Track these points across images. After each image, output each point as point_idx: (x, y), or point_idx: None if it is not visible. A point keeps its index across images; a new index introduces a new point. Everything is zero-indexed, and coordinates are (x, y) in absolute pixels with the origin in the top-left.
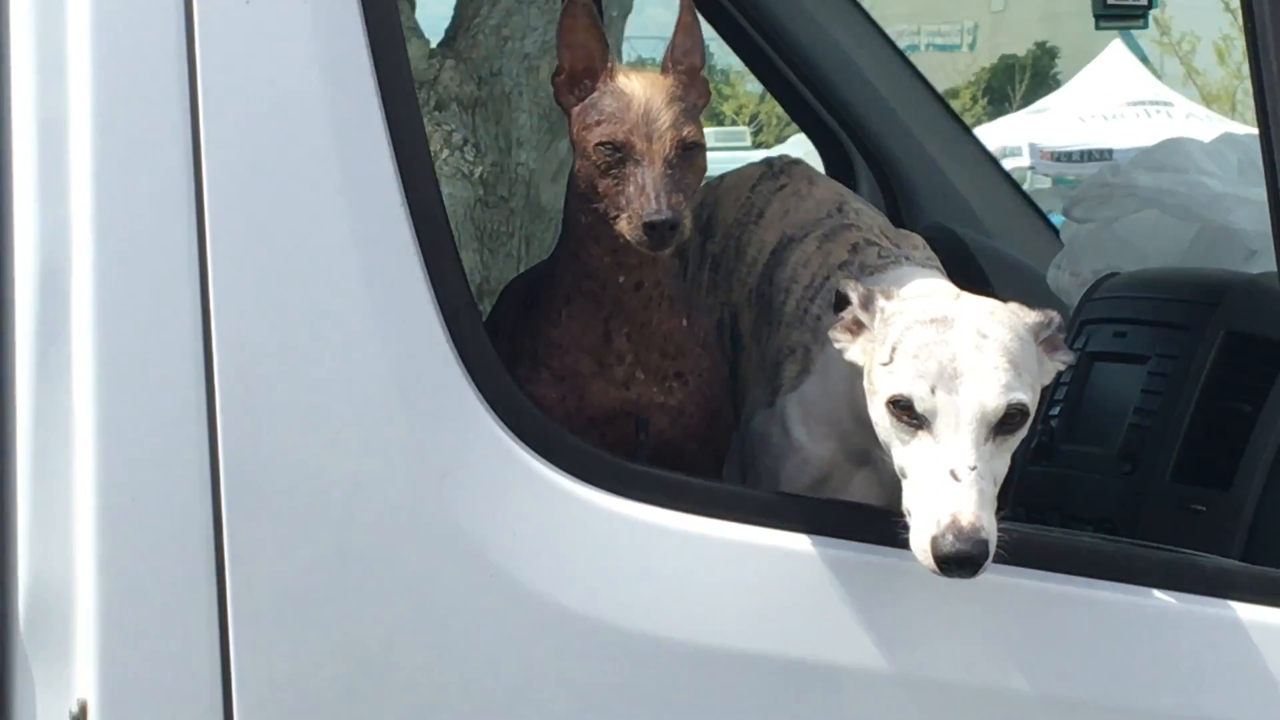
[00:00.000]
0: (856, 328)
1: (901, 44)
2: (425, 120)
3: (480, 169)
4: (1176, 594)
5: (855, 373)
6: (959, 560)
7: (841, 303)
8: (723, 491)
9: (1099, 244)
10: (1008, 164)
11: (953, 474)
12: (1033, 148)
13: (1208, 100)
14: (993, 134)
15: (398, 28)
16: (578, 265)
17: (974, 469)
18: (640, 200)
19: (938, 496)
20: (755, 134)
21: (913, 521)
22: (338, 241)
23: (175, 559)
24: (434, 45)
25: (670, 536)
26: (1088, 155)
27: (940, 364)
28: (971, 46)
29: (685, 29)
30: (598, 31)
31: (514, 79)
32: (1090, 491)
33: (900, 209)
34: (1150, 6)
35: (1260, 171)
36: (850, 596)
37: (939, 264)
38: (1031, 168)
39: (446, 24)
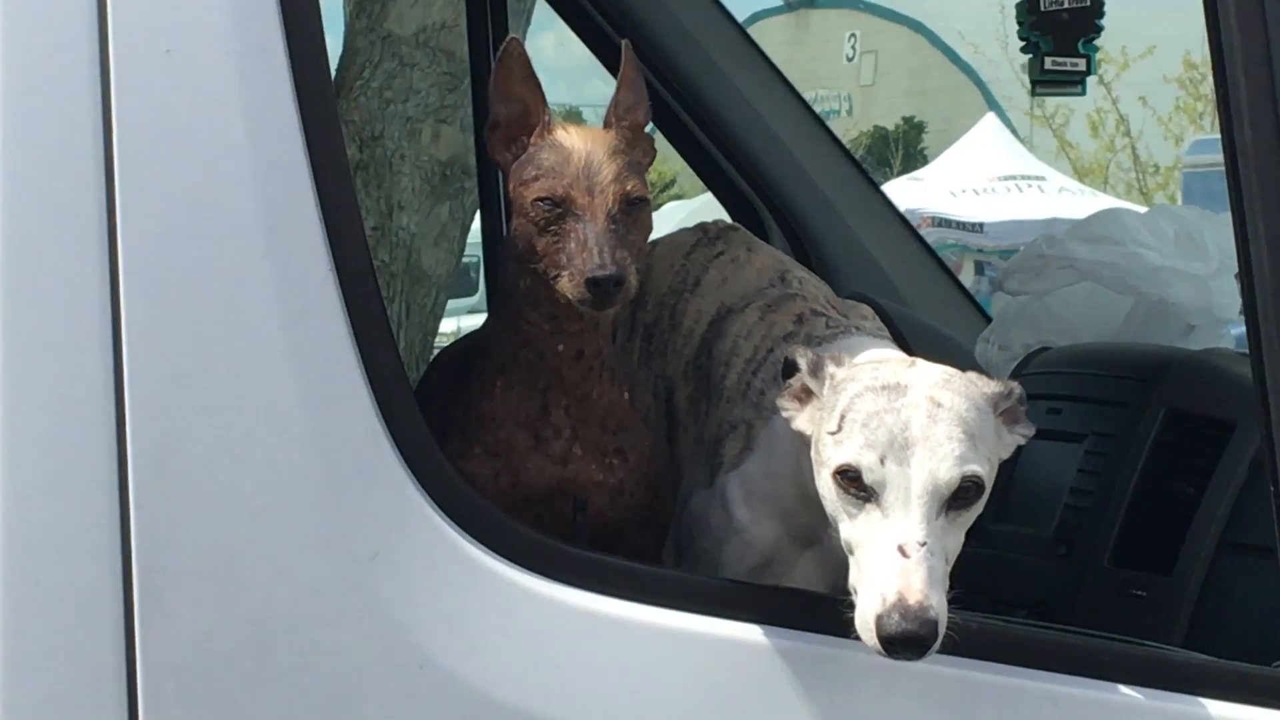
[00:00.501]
0: (805, 396)
1: None
2: None
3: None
4: (1143, 689)
5: (802, 449)
6: (905, 641)
7: (790, 370)
8: (666, 578)
9: (1030, 317)
10: None
11: (901, 550)
12: (912, 214)
13: (1080, 174)
14: None
15: (326, 79)
16: (514, 333)
17: (924, 545)
18: (582, 256)
19: (884, 573)
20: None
21: (858, 599)
22: (261, 307)
23: (81, 646)
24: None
25: (609, 625)
26: (962, 226)
27: (891, 433)
28: (849, 113)
29: (629, 84)
30: (534, 82)
31: (396, 142)
32: (1023, 575)
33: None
34: (1089, 73)
35: (1197, 245)
36: (796, 689)
37: (889, 335)
38: None
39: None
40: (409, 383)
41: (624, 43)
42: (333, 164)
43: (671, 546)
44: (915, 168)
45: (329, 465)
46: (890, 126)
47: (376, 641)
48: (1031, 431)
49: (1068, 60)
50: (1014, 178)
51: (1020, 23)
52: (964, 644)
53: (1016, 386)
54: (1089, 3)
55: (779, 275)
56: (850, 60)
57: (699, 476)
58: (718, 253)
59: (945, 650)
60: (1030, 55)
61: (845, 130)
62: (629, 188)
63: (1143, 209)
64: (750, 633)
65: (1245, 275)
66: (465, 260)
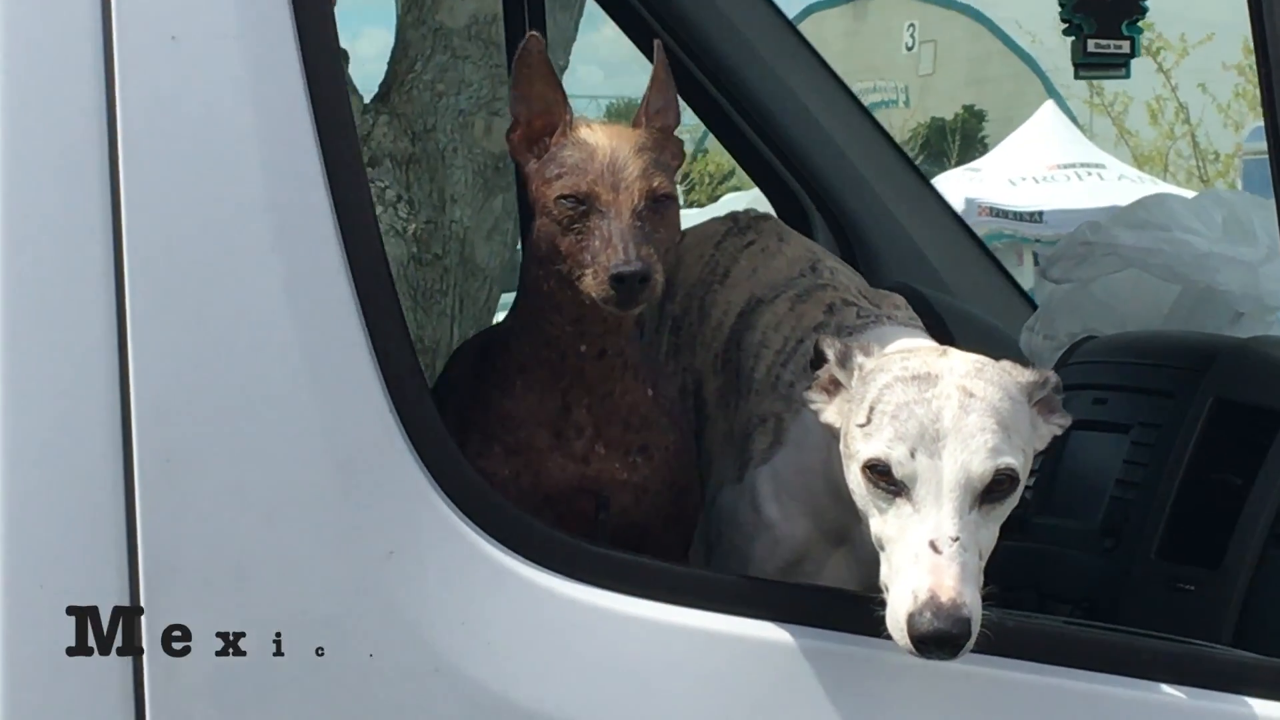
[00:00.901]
0: (833, 387)
1: None
2: None
3: (414, 226)
4: (1186, 689)
5: (832, 443)
6: (937, 640)
7: (819, 361)
8: (690, 576)
9: (1075, 305)
10: None
11: (933, 545)
12: (970, 203)
13: (1140, 162)
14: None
15: (338, 65)
16: (536, 333)
17: (956, 540)
18: (606, 253)
19: (916, 570)
20: (687, 192)
21: (889, 597)
22: (271, 301)
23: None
24: (367, 101)
25: (633, 625)
26: (1019, 216)
27: (921, 425)
28: (907, 104)
29: (659, 86)
30: (555, 81)
31: (448, 135)
32: (1068, 569)
33: (860, 267)
34: (1133, 55)
35: (1246, 231)
36: (826, 691)
37: (921, 325)
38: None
39: (380, 79)
40: (424, 378)
41: (656, 43)
42: (345, 153)
43: (700, 543)
44: (976, 156)
45: (341, 463)
46: (949, 116)
47: (390, 644)
48: (1068, 422)
49: (1111, 42)
50: (1073, 166)
51: (1063, 4)
52: (998, 642)
53: (1052, 375)
54: None
55: (810, 265)
56: (909, 50)
57: (728, 471)
58: (748, 242)
59: (979, 649)
60: (1073, 37)
61: (903, 121)
62: (655, 184)
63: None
64: (776, 632)
65: None
66: (518, 253)
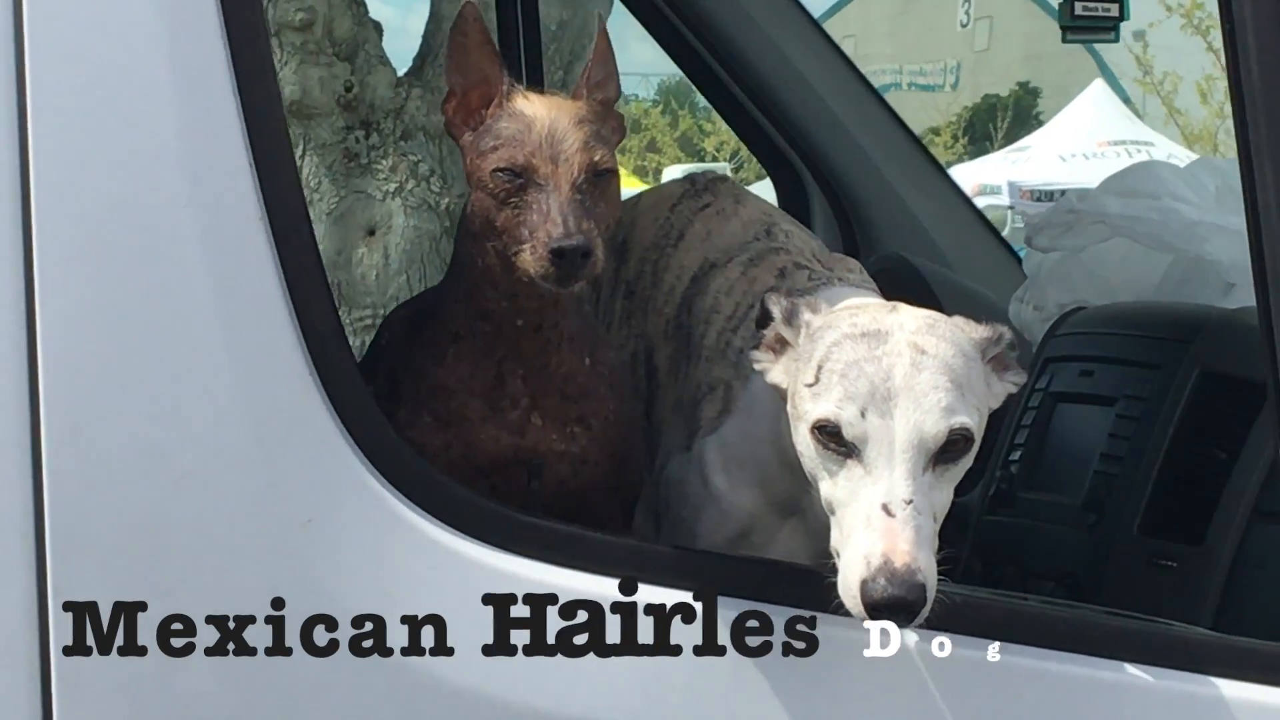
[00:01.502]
0: (780, 347)
1: (883, 83)
2: (391, 151)
3: (447, 200)
4: (1146, 667)
5: (781, 410)
6: (891, 606)
7: (765, 320)
8: (629, 548)
9: (1064, 275)
10: (987, 203)
11: (885, 509)
12: (1012, 186)
13: (1189, 140)
14: (973, 173)
15: (259, 14)
16: (470, 306)
17: (910, 503)
18: (545, 227)
19: (868, 534)
20: (736, 170)
21: (840, 563)
22: (184, 256)
23: None
24: (401, 74)
25: (567, 599)
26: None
27: (872, 383)
28: (954, 86)
29: (601, 58)
30: (492, 50)
31: None
32: (1052, 544)
33: (857, 237)
34: (1121, 19)
35: (1239, 198)
36: (773, 668)
37: (875, 288)
38: (1011, 207)
39: (414, 53)
40: (345, 337)
41: (597, 14)
42: (264, 104)
43: (648, 514)
44: (1030, 131)
45: (257, 426)
46: (1004, 92)
47: (307, 610)
48: (1022, 379)
49: (1099, 5)
50: (1123, 143)
51: None
52: (951, 619)
53: (1006, 331)
54: None
55: (765, 229)
56: (964, 26)
57: (677, 441)
58: (704, 205)
59: (932, 620)
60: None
61: (945, 106)
62: (596, 157)
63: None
64: (723, 606)
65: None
66: None
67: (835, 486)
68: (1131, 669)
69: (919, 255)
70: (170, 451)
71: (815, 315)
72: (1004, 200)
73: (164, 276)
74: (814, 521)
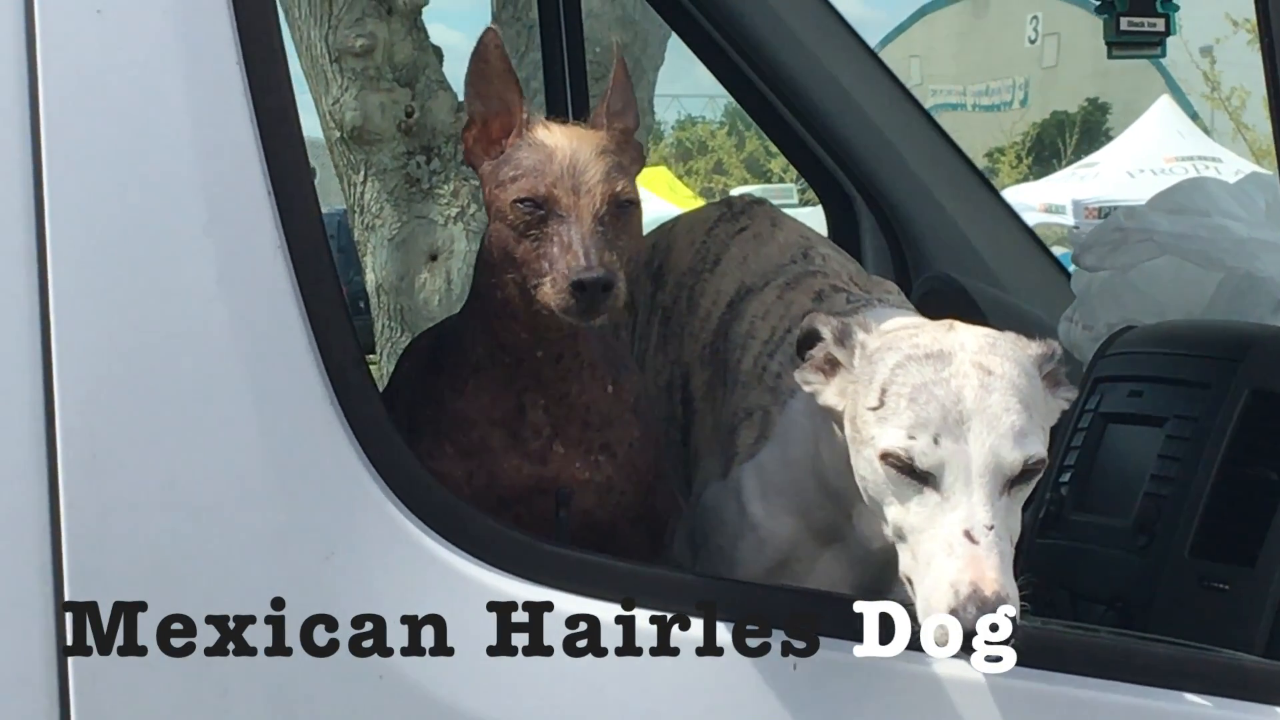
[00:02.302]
0: (830, 367)
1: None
2: (452, 176)
3: None
4: (1197, 695)
5: (822, 436)
6: None
7: (810, 340)
8: (654, 576)
9: (1113, 294)
10: (1052, 220)
11: (968, 535)
12: (1076, 205)
13: (1257, 156)
14: (1039, 192)
15: (276, 38)
16: (489, 337)
17: (991, 528)
18: (566, 259)
19: (952, 562)
20: (802, 191)
21: (918, 591)
22: (203, 286)
23: (8, 655)
24: (462, 99)
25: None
26: None
27: (944, 407)
28: (1023, 103)
29: (619, 87)
30: (512, 78)
31: None
32: (1103, 566)
33: (907, 258)
34: (1168, 33)
35: None
36: (814, 702)
37: (914, 310)
38: (1075, 226)
39: None
40: (367, 367)
41: (614, 42)
42: (282, 131)
43: (685, 543)
44: (1099, 146)
45: (278, 457)
46: (1072, 109)
47: (329, 650)
48: (1074, 395)
49: (1145, 20)
50: (1190, 159)
51: None
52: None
53: (1057, 347)
54: None
55: (802, 252)
56: (1032, 43)
57: (714, 468)
58: (740, 228)
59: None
60: (1105, 15)
61: (1010, 125)
62: (618, 188)
63: None
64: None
65: None
66: None
67: (907, 513)
68: (1186, 697)
69: (970, 276)
70: (189, 484)
71: (870, 335)
72: (1068, 219)
73: (182, 305)
74: (856, 548)
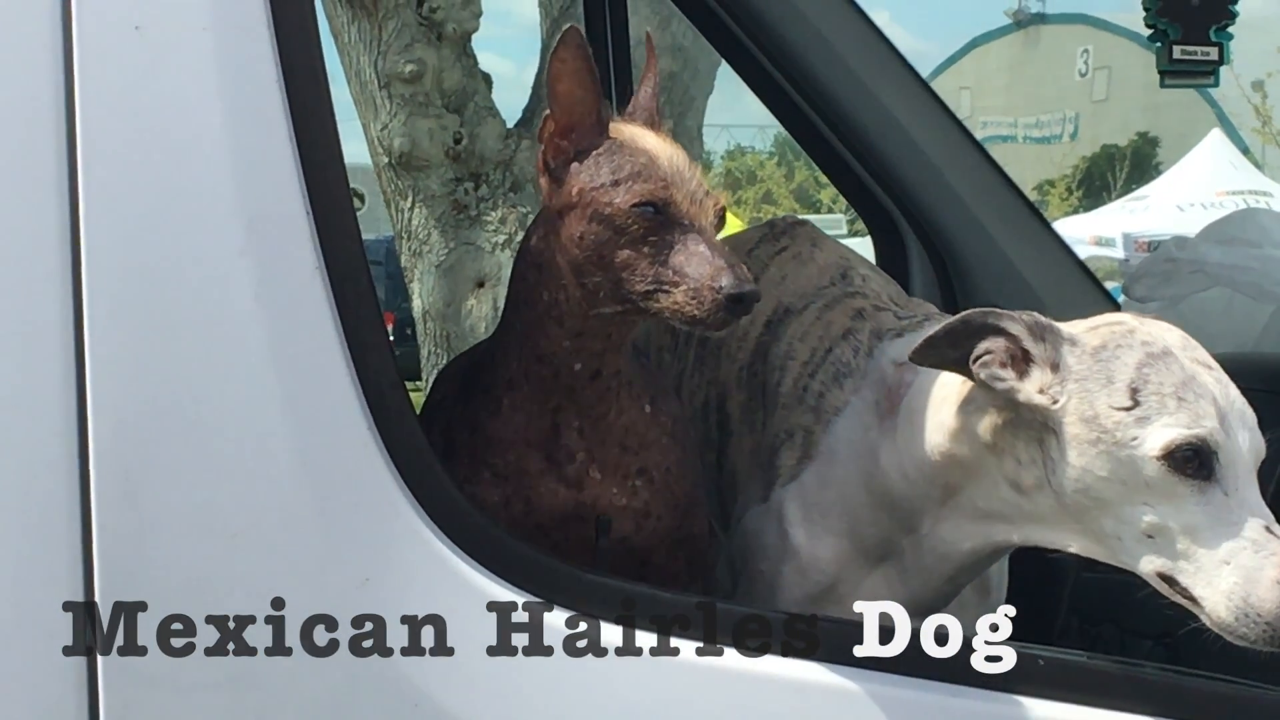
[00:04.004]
0: (1021, 364)
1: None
2: (500, 202)
3: None
4: None
5: (879, 448)
6: None
7: (971, 331)
8: (696, 605)
9: None
10: (1101, 253)
11: (1269, 530)
12: (1127, 238)
13: None
14: (1089, 224)
15: (317, 57)
16: (528, 348)
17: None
18: (709, 271)
19: (1264, 557)
20: (851, 223)
21: (1221, 587)
22: (240, 308)
23: (41, 684)
24: (510, 126)
25: (633, 659)
26: None
27: (1215, 402)
28: (1073, 136)
29: (654, 88)
30: (593, 76)
31: None
32: (1150, 603)
33: (955, 289)
34: (1221, 62)
35: None
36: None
37: None
38: (1125, 260)
39: (523, 105)
40: (406, 391)
41: (646, 31)
42: (322, 151)
43: (726, 569)
44: (1149, 180)
45: (315, 482)
46: (1122, 142)
47: (365, 677)
48: None
49: (1198, 49)
50: (1241, 193)
51: (1147, 8)
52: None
53: None
54: None
55: (841, 273)
56: (1083, 76)
57: (755, 491)
58: (780, 249)
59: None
60: (1158, 44)
61: (1061, 157)
62: (720, 202)
63: None
64: (805, 671)
65: None
66: None
67: (1181, 512)
68: None
69: (1018, 303)
70: (224, 509)
71: (1078, 333)
72: (1118, 253)
73: (219, 328)
74: (913, 560)
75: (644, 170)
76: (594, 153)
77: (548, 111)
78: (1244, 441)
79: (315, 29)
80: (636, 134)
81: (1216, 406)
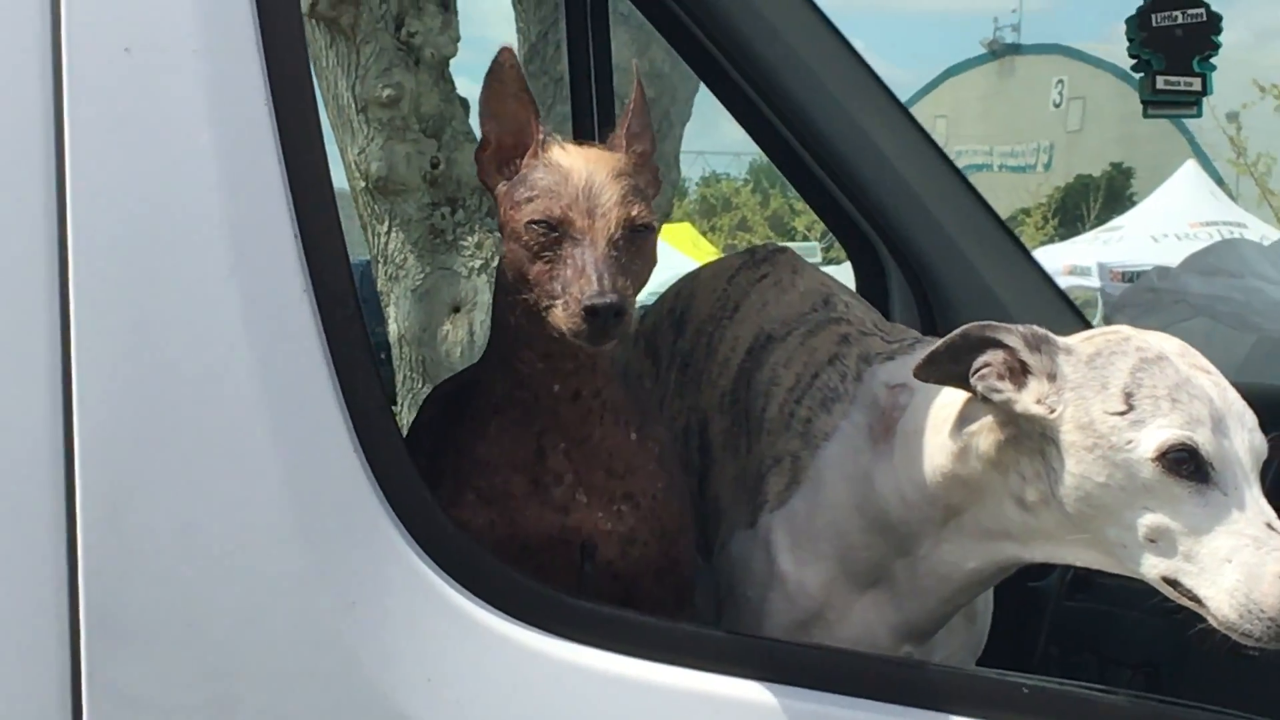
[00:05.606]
0: (1020, 375)
1: (974, 164)
2: (477, 227)
3: None
4: None
5: (874, 471)
6: None
7: (970, 346)
8: (683, 633)
9: None
10: (1077, 283)
11: (1270, 527)
12: (1102, 268)
13: None
14: (1064, 254)
15: (306, 80)
16: (507, 372)
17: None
18: (579, 283)
19: (1270, 554)
20: (826, 250)
21: (1224, 585)
22: (227, 331)
23: (22, 706)
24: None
25: (620, 686)
26: None
27: (1211, 404)
28: (1048, 166)
29: (638, 110)
30: (528, 98)
31: None
32: (1132, 630)
33: (936, 318)
34: (1204, 93)
35: None
36: None
37: None
38: (1100, 289)
39: None
40: (393, 415)
41: (633, 62)
42: (310, 174)
43: (709, 596)
44: (1123, 210)
45: (301, 505)
46: (1097, 172)
47: (351, 703)
48: None
49: (1181, 79)
50: (1215, 224)
51: (1130, 39)
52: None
53: None
54: (1204, 18)
55: (823, 299)
56: (1057, 106)
57: (740, 517)
58: (761, 275)
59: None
60: (1141, 74)
61: (1036, 187)
62: (634, 212)
63: None
64: (791, 697)
65: None
66: None
67: (1179, 514)
68: None
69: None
70: (210, 532)
71: (1072, 343)
72: (1094, 282)
73: (206, 350)
74: (906, 586)
75: (550, 189)
76: (524, 173)
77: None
78: (1242, 442)
79: (305, 52)
80: (565, 155)
81: (1212, 407)
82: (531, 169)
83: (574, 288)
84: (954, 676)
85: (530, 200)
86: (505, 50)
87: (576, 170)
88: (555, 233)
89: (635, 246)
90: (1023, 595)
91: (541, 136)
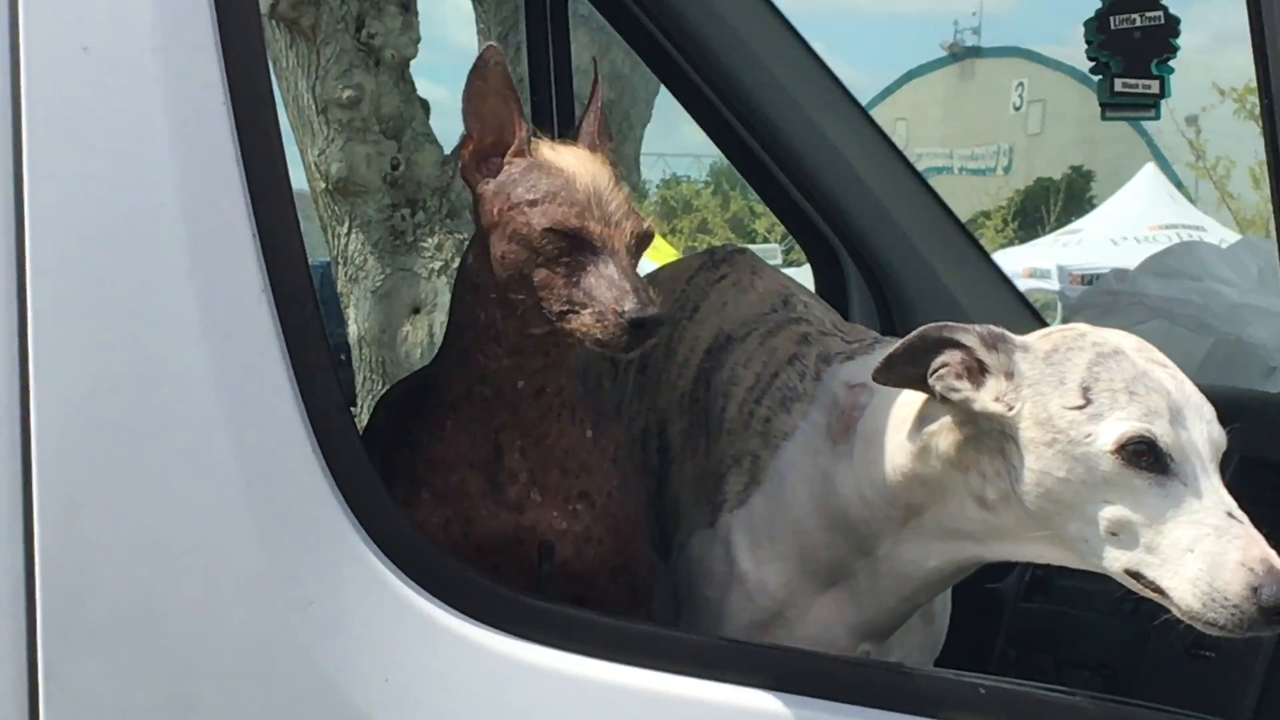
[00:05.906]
0: (978, 374)
1: (934, 167)
2: (437, 229)
3: None
4: None
5: (835, 472)
6: None
7: (929, 347)
8: (638, 633)
9: None
10: (1036, 286)
11: (1231, 515)
12: (1061, 270)
13: (1242, 225)
14: (1023, 256)
15: (264, 79)
16: (469, 367)
17: (1236, 507)
18: (614, 294)
19: (1229, 543)
20: (786, 252)
21: (1188, 574)
22: (185, 330)
23: None
24: (448, 152)
25: (576, 686)
26: None
27: (1168, 396)
28: (1008, 169)
29: (599, 111)
30: (513, 96)
31: None
32: (1089, 632)
33: (895, 320)
34: (1162, 96)
35: None
36: None
37: None
38: (1060, 292)
39: (461, 131)
40: (351, 415)
41: (592, 58)
42: (269, 174)
43: (667, 595)
44: (1083, 213)
45: (259, 506)
46: (1057, 175)
47: (308, 702)
48: None
49: (1139, 82)
50: (1174, 227)
51: (1089, 42)
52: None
53: None
54: (1162, 20)
55: (782, 300)
56: (1017, 109)
57: (700, 516)
58: (720, 276)
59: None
60: (1100, 76)
61: (996, 190)
62: (644, 225)
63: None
64: (739, 696)
65: None
66: None
67: (1140, 506)
68: None
69: None
70: (167, 532)
71: (1028, 340)
72: (1053, 284)
73: (164, 350)
74: (866, 585)
75: (559, 192)
76: (514, 172)
77: (465, 130)
78: (1200, 433)
79: (263, 52)
80: (558, 153)
81: (1170, 400)
82: (522, 168)
83: (608, 299)
84: (911, 677)
85: (535, 203)
86: (491, 48)
87: (580, 174)
88: (571, 240)
89: (639, 254)
90: (981, 596)
91: (525, 134)
